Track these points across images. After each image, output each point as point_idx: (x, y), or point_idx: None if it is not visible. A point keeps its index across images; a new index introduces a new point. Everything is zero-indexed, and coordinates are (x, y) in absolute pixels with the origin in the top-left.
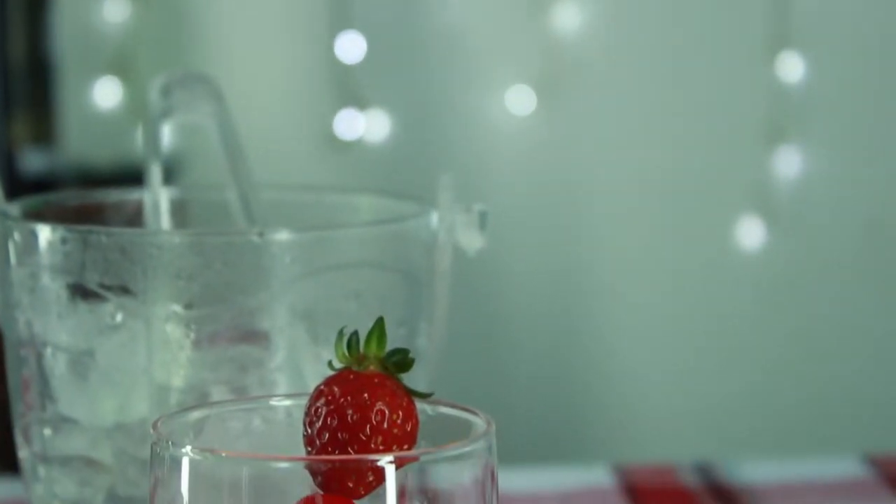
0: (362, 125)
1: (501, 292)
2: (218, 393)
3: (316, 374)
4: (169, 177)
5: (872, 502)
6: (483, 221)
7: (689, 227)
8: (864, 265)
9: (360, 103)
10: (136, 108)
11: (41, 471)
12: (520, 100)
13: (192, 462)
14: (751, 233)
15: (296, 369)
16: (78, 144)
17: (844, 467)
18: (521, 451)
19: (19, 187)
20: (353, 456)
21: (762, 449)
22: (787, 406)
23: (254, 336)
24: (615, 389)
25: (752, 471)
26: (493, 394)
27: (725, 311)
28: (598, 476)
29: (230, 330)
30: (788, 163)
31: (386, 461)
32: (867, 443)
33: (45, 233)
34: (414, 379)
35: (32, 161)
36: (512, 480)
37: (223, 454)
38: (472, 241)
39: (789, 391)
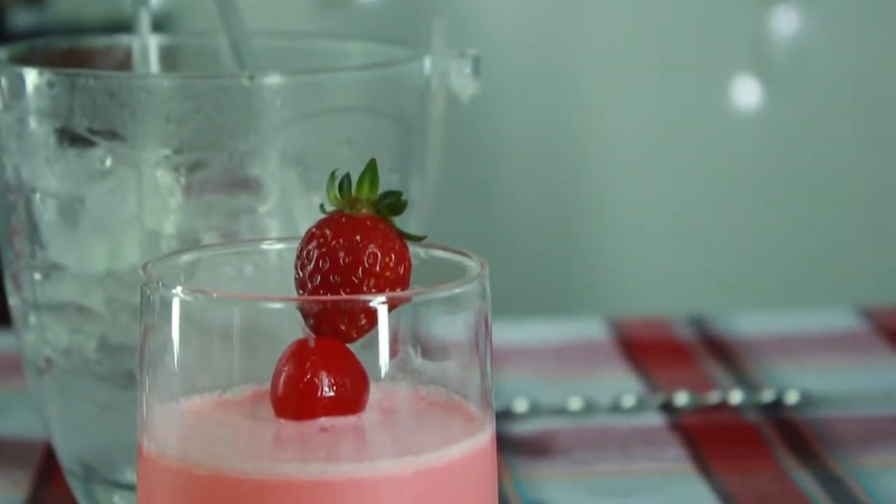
0: None
1: (495, 141)
2: (209, 239)
3: (308, 220)
4: (160, 28)
5: (868, 354)
6: (476, 67)
7: (684, 85)
8: (861, 124)
9: None
10: None
11: (32, 318)
12: None
13: (182, 304)
14: (747, 93)
15: (287, 215)
16: (68, 1)
17: (840, 320)
18: (514, 304)
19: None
20: (346, 296)
21: (757, 302)
22: (782, 260)
23: (245, 182)
24: (610, 242)
25: (746, 323)
26: (486, 245)
27: (721, 166)
28: (592, 329)
29: (221, 176)
30: (786, 21)
31: (378, 302)
32: (863, 296)
33: (31, 77)
34: (406, 227)
35: (22, 18)
36: (505, 333)
37: (214, 295)
38: (465, 86)
39: (785, 245)
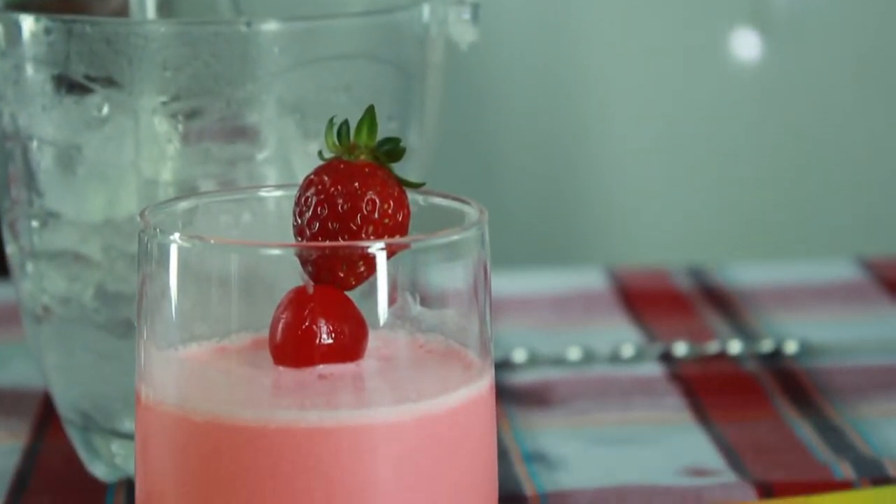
0: None
1: (493, 89)
2: (206, 187)
3: (306, 168)
4: None
5: (867, 304)
6: (475, 14)
7: (683, 37)
8: (861, 76)
9: None
10: None
11: (29, 267)
12: None
13: (180, 250)
14: (747, 45)
15: (285, 163)
16: None
17: (839, 270)
18: (513, 255)
19: None
20: (344, 243)
21: (756, 253)
22: (781, 211)
23: (242, 130)
24: (609, 192)
25: (746, 274)
26: (485, 195)
27: (721, 117)
28: (591, 279)
29: (218, 123)
30: None
31: (377, 248)
32: (862, 247)
33: (28, 23)
34: (405, 176)
35: None
36: (504, 283)
37: (212, 241)
38: (464, 34)
39: (784, 197)
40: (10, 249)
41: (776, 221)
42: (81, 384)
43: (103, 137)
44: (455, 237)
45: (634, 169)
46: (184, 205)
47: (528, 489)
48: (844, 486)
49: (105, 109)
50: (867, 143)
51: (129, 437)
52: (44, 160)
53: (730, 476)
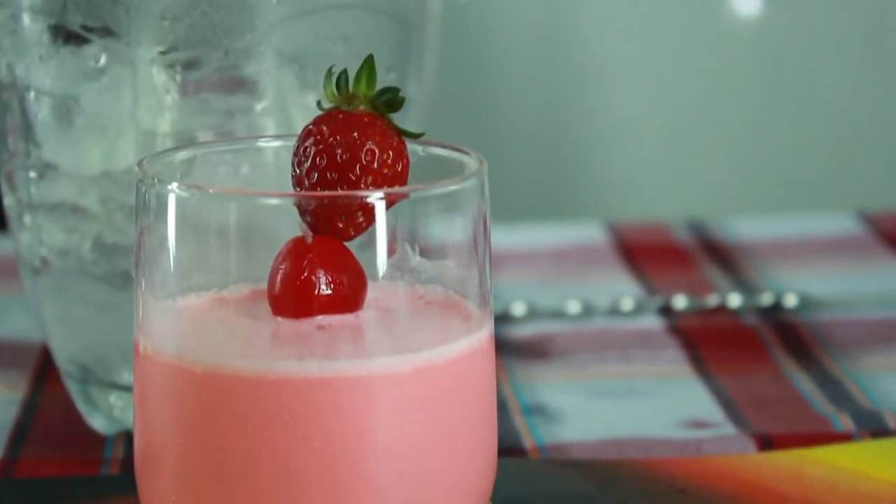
0: None
1: (492, 43)
2: (204, 139)
3: (304, 120)
4: None
5: (866, 258)
6: None
7: None
8: (862, 32)
9: None
10: None
11: (27, 218)
12: None
13: (178, 200)
14: (746, 0)
15: (284, 114)
16: None
17: (839, 224)
18: (512, 208)
19: None
20: (343, 192)
21: (756, 207)
22: (781, 165)
23: (241, 81)
24: (608, 146)
25: (745, 228)
26: (484, 149)
27: (721, 73)
28: (590, 233)
29: (216, 74)
30: None
31: (376, 198)
32: (862, 201)
33: None
34: (404, 125)
35: None
36: (503, 237)
37: (210, 191)
38: None
39: (784, 151)
40: (7, 201)
41: (776, 175)
42: (80, 336)
43: (101, 88)
44: (454, 187)
45: (634, 122)
46: (182, 155)
47: (528, 441)
48: (844, 438)
49: (102, 60)
50: (868, 98)
51: (127, 389)
52: (41, 111)
53: (729, 428)
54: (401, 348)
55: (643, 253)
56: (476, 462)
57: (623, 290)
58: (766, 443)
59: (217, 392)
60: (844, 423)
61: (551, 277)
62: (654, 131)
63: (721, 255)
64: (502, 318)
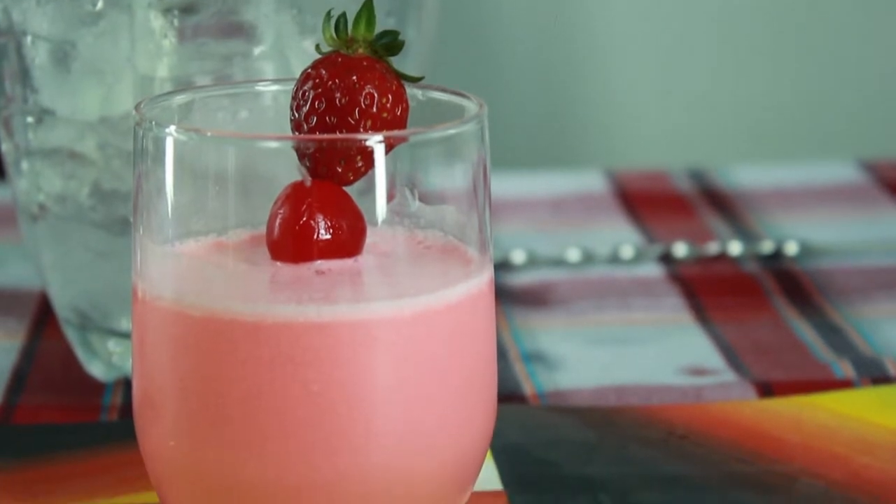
0: None
1: None
2: (202, 84)
3: (303, 64)
4: None
5: (868, 206)
6: None
7: None
8: None
9: None
10: None
11: (24, 164)
12: None
13: (176, 143)
14: None
15: (282, 59)
16: None
17: (840, 172)
18: (511, 157)
19: None
20: (342, 135)
21: (757, 155)
22: (782, 113)
23: (239, 26)
24: (609, 95)
25: (746, 176)
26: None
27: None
28: (590, 181)
29: (214, 18)
30: None
31: (375, 141)
32: (863, 149)
33: None
34: (403, 70)
35: None
36: (503, 185)
37: (209, 134)
38: None
39: (785, 98)
40: (4, 147)
41: (777, 123)
42: (78, 283)
43: (98, 33)
44: (454, 130)
45: (635, 71)
46: (179, 99)
47: (528, 388)
48: (844, 385)
49: (99, 4)
50: (869, 46)
51: (126, 335)
52: (38, 56)
53: (729, 375)
54: (400, 292)
55: (643, 201)
56: (476, 408)
57: (623, 238)
58: (767, 389)
59: (215, 337)
60: (845, 369)
61: (551, 226)
62: (655, 80)
63: (721, 204)
64: (502, 266)
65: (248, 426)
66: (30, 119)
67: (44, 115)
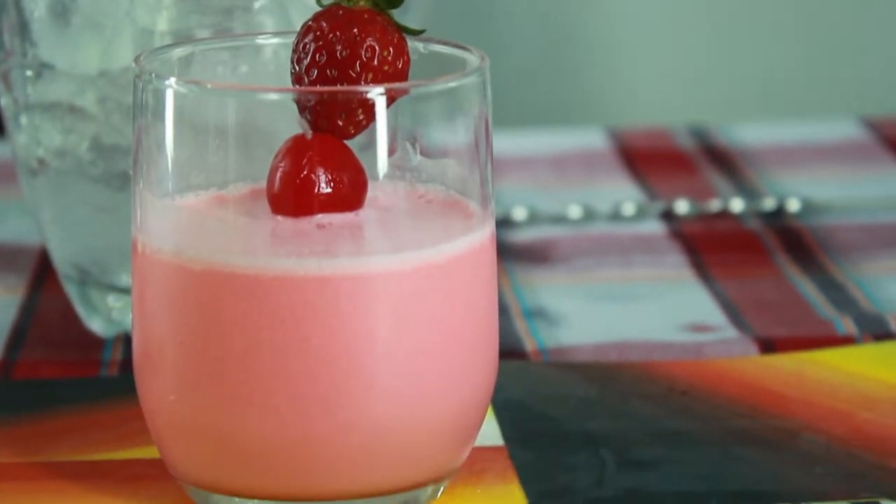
0: None
1: None
2: (202, 38)
3: (303, 18)
4: None
5: (869, 163)
6: None
7: None
8: None
9: None
10: None
11: (24, 119)
12: None
13: (176, 95)
14: None
15: (283, 12)
16: None
17: (842, 129)
18: (513, 115)
19: None
20: (343, 87)
21: (759, 112)
22: (784, 70)
23: None
24: (610, 51)
25: (748, 133)
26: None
27: None
28: (591, 139)
29: None
30: None
31: (376, 94)
32: (865, 106)
33: None
34: (405, 23)
35: None
36: (504, 143)
37: (209, 86)
38: None
39: (787, 56)
40: (4, 101)
41: (779, 81)
42: (78, 238)
43: None
44: (455, 83)
45: (637, 28)
46: (179, 52)
47: (529, 344)
48: (846, 341)
49: None
50: (872, 3)
51: (125, 291)
52: (37, 9)
53: (731, 332)
54: (401, 246)
55: (645, 159)
56: (477, 363)
57: (625, 195)
58: (768, 346)
59: (215, 290)
60: (847, 326)
61: (552, 183)
62: (657, 37)
63: (723, 161)
64: (503, 223)
65: (249, 380)
66: (29, 73)
67: (43, 68)
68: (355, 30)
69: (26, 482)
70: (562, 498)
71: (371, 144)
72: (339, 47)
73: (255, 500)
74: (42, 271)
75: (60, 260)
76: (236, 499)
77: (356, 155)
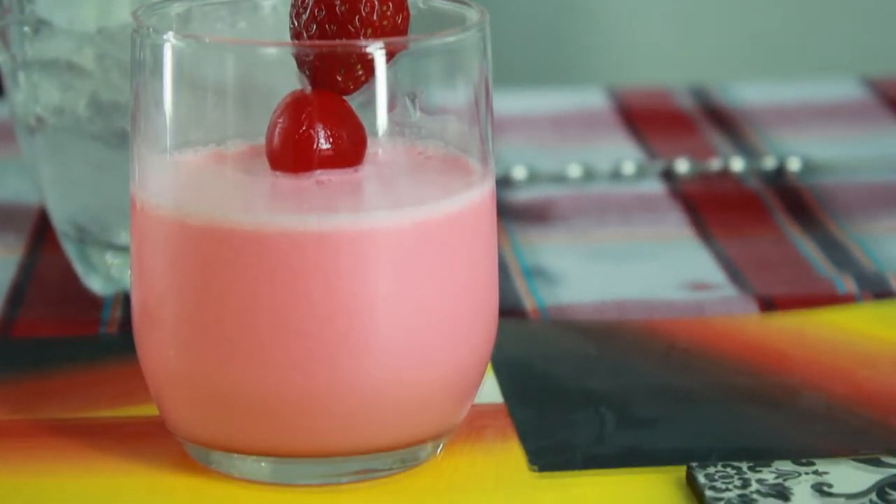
0: None
1: None
2: None
3: None
4: None
5: (870, 123)
6: None
7: None
8: None
9: None
10: None
11: (21, 76)
12: None
13: (175, 50)
14: None
15: None
16: None
17: (842, 89)
18: (513, 74)
19: None
20: (342, 42)
21: (759, 72)
22: (785, 30)
23: None
24: (610, 10)
25: (747, 93)
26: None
27: None
28: (591, 98)
29: None
30: None
31: (375, 48)
32: (866, 66)
33: None
34: None
35: None
36: (504, 102)
37: (207, 40)
38: None
39: (787, 15)
40: (1, 59)
41: (779, 40)
42: (76, 196)
43: None
44: (455, 38)
45: None
46: (178, 7)
47: (529, 303)
48: (846, 300)
49: None
50: None
51: (124, 249)
52: None
53: (731, 290)
54: (401, 202)
55: (645, 118)
56: (477, 320)
57: (624, 154)
58: (769, 304)
59: (215, 246)
60: (847, 285)
61: (552, 142)
62: None
63: (724, 120)
64: (503, 182)
65: (248, 336)
66: (27, 30)
67: (41, 25)
68: None
69: (25, 439)
70: (561, 455)
71: (371, 102)
72: (338, 2)
73: (254, 457)
74: (41, 230)
75: (59, 218)
76: (235, 455)
77: (356, 111)
